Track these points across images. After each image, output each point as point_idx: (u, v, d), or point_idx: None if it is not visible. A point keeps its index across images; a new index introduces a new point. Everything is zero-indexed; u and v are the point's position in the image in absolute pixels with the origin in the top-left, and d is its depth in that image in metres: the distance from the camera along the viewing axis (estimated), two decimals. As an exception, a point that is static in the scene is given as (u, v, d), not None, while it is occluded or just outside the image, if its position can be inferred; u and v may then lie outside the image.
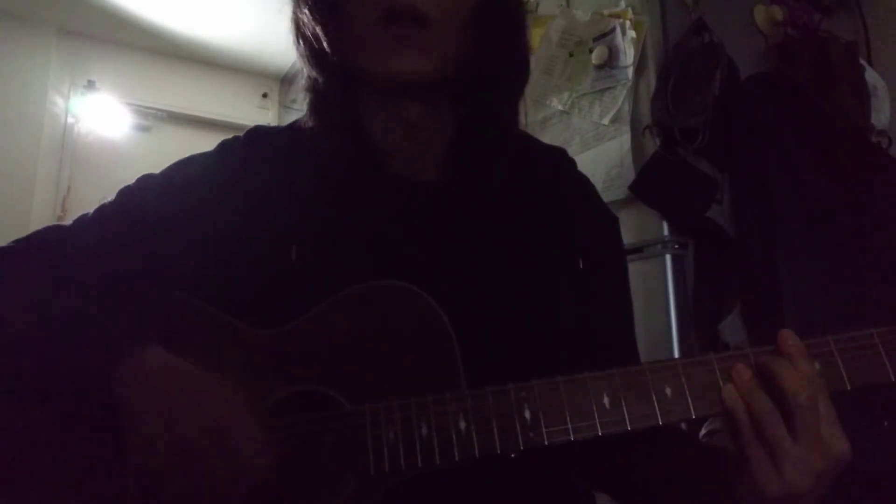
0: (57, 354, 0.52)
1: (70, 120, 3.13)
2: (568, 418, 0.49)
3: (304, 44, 0.62)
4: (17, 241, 0.62)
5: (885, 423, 1.09)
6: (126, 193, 0.64)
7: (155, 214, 0.62)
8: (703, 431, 1.11)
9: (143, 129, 3.35)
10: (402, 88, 0.59)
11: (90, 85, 3.17)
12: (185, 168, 0.67)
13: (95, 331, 0.53)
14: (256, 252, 0.60)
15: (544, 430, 0.49)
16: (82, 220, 0.63)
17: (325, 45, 0.59)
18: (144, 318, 0.57)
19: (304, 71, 0.64)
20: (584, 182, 0.71)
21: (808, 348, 0.48)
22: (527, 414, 0.49)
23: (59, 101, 3.11)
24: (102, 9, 2.98)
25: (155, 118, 3.37)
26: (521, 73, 0.65)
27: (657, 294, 1.20)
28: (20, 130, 2.96)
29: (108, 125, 3.20)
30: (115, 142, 3.23)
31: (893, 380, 0.48)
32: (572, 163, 0.72)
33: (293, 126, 0.69)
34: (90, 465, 0.53)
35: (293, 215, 0.61)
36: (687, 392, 0.49)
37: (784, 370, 0.47)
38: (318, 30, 0.59)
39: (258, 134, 0.69)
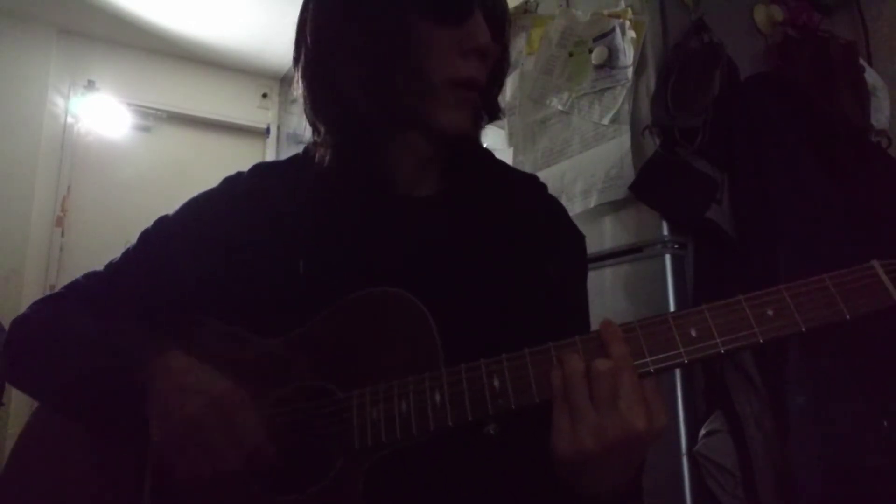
0: (93, 369, 0.62)
1: (70, 120, 3.13)
2: (532, 384, 0.53)
3: (340, 109, 0.68)
4: (65, 287, 0.74)
5: (885, 423, 1.09)
6: (145, 236, 0.74)
7: (171, 250, 0.71)
8: (702, 432, 1.11)
9: (143, 129, 3.35)
10: (450, 140, 0.68)
11: (90, 85, 3.18)
12: (195, 204, 0.75)
13: (127, 345, 0.63)
14: (267, 268, 0.67)
15: (511, 395, 0.53)
16: (111, 265, 0.74)
17: (373, 103, 0.66)
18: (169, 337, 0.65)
19: (322, 127, 0.70)
20: (554, 202, 0.80)
21: (761, 297, 0.51)
22: (496, 383, 0.54)
23: (59, 101, 3.11)
24: (102, 9, 2.98)
25: (155, 118, 3.37)
26: (499, 115, 0.75)
27: (657, 294, 1.20)
28: (20, 130, 2.96)
29: (108, 125, 3.21)
30: (115, 142, 3.23)
31: (848, 318, 0.49)
32: (544, 187, 0.80)
33: (295, 157, 0.78)
34: (116, 467, 0.64)
35: (300, 232, 0.68)
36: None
37: (598, 351, 0.52)
38: (373, 87, 0.65)
39: (261, 166, 0.78)
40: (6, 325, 0.73)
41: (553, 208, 0.79)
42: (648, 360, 0.51)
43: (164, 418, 0.56)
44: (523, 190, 0.78)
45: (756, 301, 0.51)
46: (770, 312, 0.50)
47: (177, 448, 0.56)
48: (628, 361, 0.50)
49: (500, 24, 0.69)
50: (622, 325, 0.53)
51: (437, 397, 0.54)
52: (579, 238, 0.78)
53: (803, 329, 0.49)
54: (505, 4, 0.72)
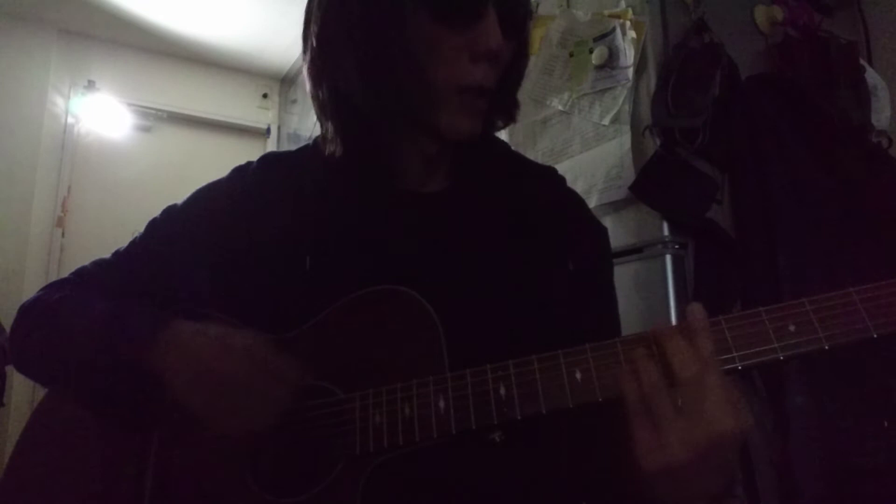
0: (98, 344, 0.61)
1: (70, 120, 3.13)
2: (540, 392, 0.51)
3: (344, 109, 0.65)
4: (73, 273, 0.74)
5: (885, 424, 1.09)
6: (153, 225, 0.73)
7: (178, 240, 0.70)
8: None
9: (143, 129, 3.35)
10: (455, 143, 0.66)
11: (90, 85, 3.18)
12: (203, 195, 0.74)
13: (129, 321, 0.62)
14: (273, 263, 0.66)
15: (517, 404, 0.51)
16: (118, 253, 0.74)
17: (382, 101, 0.63)
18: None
19: (330, 125, 0.68)
20: (574, 196, 0.77)
21: (781, 310, 0.48)
22: (502, 391, 0.52)
23: (59, 101, 3.11)
24: (102, 9, 2.98)
25: (155, 118, 3.37)
26: (515, 115, 0.72)
27: (657, 294, 1.20)
28: (20, 130, 2.96)
29: (108, 125, 3.21)
30: (115, 142, 3.23)
31: (875, 336, 0.46)
32: (563, 179, 0.77)
33: (304, 149, 0.76)
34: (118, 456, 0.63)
35: (306, 227, 0.67)
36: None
37: (675, 348, 0.48)
38: (377, 87, 0.62)
39: (270, 157, 0.76)
40: (6, 325, 0.73)
41: (572, 201, 0.76)
42: (735, 355, 0.48)
43: (191, 388, 0.57)
44: (540, 183, 0.75)
45: (777, 314, 0.48)
46: (792, 328, 0.47)
47: (205, 418, 0.56)
48: (714, 359, 0.47)
49: (520, 19, 0.64)
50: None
51: (442, 403, 0.53)
52: (601, 231, 0.75)
53: (826, 347, 0.46)
54: None
